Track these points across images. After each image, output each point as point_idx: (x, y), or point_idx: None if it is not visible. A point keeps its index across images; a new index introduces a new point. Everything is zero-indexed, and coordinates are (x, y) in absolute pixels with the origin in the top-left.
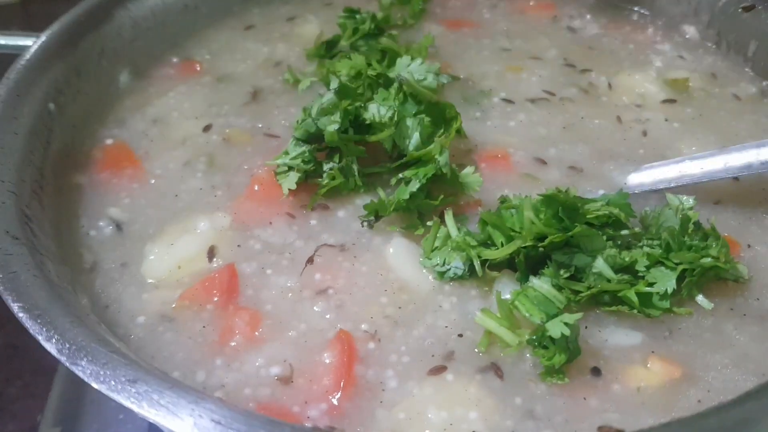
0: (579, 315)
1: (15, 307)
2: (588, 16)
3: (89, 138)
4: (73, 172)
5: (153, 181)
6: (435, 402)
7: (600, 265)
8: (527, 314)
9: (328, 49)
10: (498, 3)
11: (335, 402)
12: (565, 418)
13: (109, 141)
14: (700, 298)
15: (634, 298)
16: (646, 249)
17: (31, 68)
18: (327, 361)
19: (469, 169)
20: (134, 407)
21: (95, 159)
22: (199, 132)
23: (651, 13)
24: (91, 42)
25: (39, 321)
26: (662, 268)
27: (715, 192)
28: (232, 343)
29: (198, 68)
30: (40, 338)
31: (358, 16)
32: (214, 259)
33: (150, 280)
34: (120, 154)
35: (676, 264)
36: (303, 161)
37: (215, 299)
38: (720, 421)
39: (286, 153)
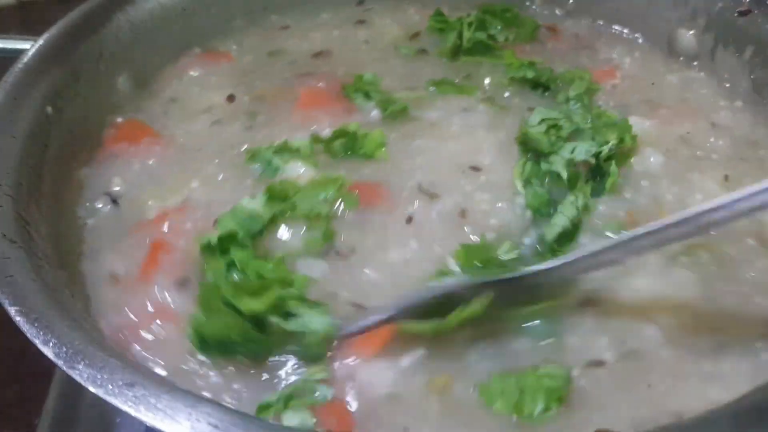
0: None
1: (12, 310)
2: None
3: (87, 145)
4: (71, 178)
5: None
6: None
7: None
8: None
9: None
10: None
11: None
12: None
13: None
14: None
15: None
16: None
17: (28, 72)
18: None
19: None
20: (131, 411)
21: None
22: None
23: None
24: (89, 46)
25: (36, 324)
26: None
27: None
28: None
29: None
30: (37, 342)
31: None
32: None
33: None
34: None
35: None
36: None
37: None
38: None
39: None
